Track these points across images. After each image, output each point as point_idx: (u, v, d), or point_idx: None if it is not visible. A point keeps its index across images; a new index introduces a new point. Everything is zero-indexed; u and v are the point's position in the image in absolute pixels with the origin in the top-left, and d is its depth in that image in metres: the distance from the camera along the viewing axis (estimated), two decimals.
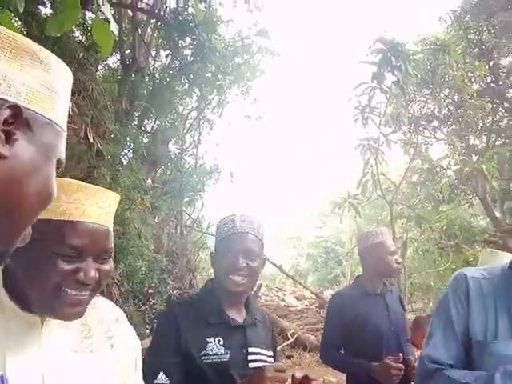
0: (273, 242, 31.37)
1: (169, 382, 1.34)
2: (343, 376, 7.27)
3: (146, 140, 9.57)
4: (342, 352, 2.47)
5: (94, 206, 0.88)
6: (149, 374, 1.34)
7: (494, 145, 12.59)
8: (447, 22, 12.39)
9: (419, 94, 11.84)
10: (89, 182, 0.92)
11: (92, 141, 4.88)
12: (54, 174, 0.57)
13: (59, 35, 5.99)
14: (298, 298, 15.07)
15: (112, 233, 0.95)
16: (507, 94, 12.70)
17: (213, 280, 1.55)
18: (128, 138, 7.77)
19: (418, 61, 5.09)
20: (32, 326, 0.85)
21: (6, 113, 0.49)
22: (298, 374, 1.28)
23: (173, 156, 10.72)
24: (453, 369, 1.18)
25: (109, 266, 0.92)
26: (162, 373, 1.34)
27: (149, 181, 9.13)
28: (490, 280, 1.23)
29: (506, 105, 12.59)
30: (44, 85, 0.54)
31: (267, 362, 1.45)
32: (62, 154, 0.59)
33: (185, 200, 9.46)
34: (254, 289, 11.72)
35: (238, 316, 1.47)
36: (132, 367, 1.05)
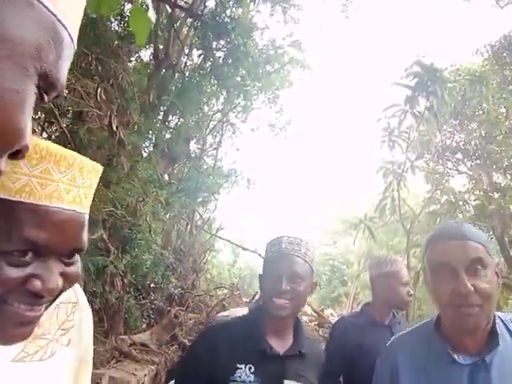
0: None
1: None
2: None
3: (168, 136, 9.60)
4: (341, 380, 2.36)
5: (68, 184, 0.59)
6: (166, 377, 1.37)
7: None
8: (484, 56, 12.24)
9: (447, 125, 11.68)
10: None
11: (115, 129, 4.87)
12: (30, 98, 0.36)
13: (95, 22, 6.05)
14: None
15: (87, 222, 0.64)
16: None
17: (260, 307, 1.49)
18: (151, 132, 7.80)
19: (452, 89, 4.97)
20: None
21: None
22: None
23: (192, 155, 10.74)
24: None
25: (76, 267, 0.62)
26: (172, 382, 1.33)
27: (166, 176, 9.14)
28: (420, 342, 1.14)
29: None
30: None
31: None
32: (56, 69, 0.38)
33: (198, 200, 9.44)
34: (256, 297, 11.58)
35: (280, 345, 1.39)
36: (90, 357, 0.81)
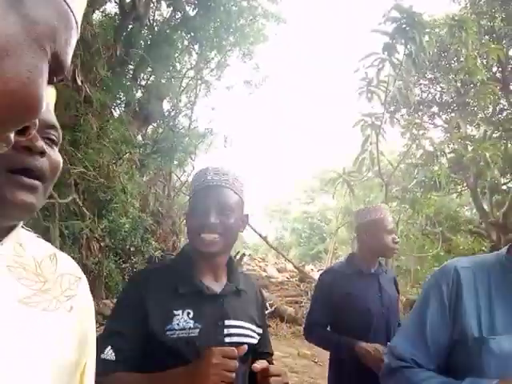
0: (260, 212, 31.55)
1: (115, 358, 1.13)
2: (318, 349, 7.30)
3: (139, 94, 9.21)
4: (329, 329, 2.36)
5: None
6: (98, 346, 1.18)
7: (491, 137, 12.49)
8: (461, 4, 12.00)
9: (423, 78, 11.58)
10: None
11: (80, 84, 4.57)
12: (45, 75, 0.39)
13: None
14: (279, 270, 15.16)
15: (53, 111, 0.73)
16: (510, 87, 12.50)
17: (188, 245, 1.35)
18: (120, 90, 7.43)
19: (433, 34, 4.81)
20: None
21: None
22: (257, 366, 1.11)
23: (166, 114, 10.38)
24: (417, 368, 1.08)
25: (57, 155, 0.71)
26: (109, 347, 1.14)
27: (139, 137, 8.83)
28: (485, 269, 1.11)
29: (510, 98, 12.41)
30: None
31: (250, 336, 1.28)
32: (65, 52, 0.41)
33: (175, 161, 9.21)
34: (238, 257, 11.70)
35: (215, 284, 1.28)
36: (92, 338, 0.83)
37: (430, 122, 12.57)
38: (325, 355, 6.56)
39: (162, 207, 8.69)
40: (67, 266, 0.79)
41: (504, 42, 11.31)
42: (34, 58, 0.37)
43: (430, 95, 12.30)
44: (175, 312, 1.17)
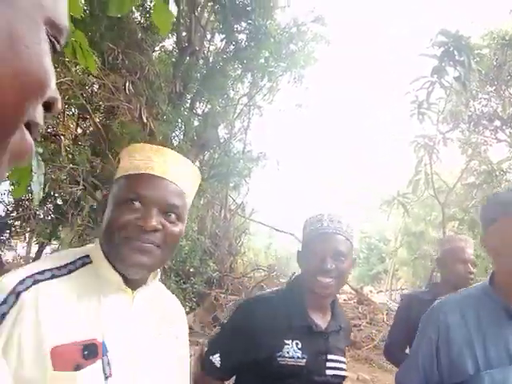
0: None
1: (219, 365, 1.34)
2: (378, 374, 7.09)
3: (196, 123, 9.70)
4: (408, 351, 2.44)
5: (162, 164, 0.92)
6: (209, 348, 1.40)
7: None
8: None
9: (482, 92, 11.17)
10: None
11: (145, 120, 5.00)
12: (47, 47, 0.37)
13: (120, 16, 6.15)
14: None
15: (183, 193, 0.96)
16: None
17: (298, 278, 1.49)
18: (180, 120, 7.91)
19: (483, 56, 4.75)
20: (125, 299, 0.91)
21: None
22: None
23: (221, 140, 10.81)
24: None
25: (177, 228, 0.93)
26: (218, 354, 1.35)
27: (197, 163, 9.27)
28: (472, 303, 1.14)
29: None
30: None
31: (344, 369, 1.42)
32: (59, 14, 0.38)
33: (231, 184, 9.54)
34: (293, 278, 11.66)
35: (321, 321, 1.41)
36: (187, 368, 1.09)
37: (492, 137, 12.04)
38: (384, 380, 6.41)
39: (219, 229, 8.99)
40: (172, 303, 1.08)
41: None
42: (31, 33, 0.34)
43: (491, 109, 11.81)
44: (286, 341, 1.31)
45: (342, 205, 30.77)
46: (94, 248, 0.94)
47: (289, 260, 20.59)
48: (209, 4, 9.63)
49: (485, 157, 6.35)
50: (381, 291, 16.98)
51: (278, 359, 1.29)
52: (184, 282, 5.97)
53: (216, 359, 1.35)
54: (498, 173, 5.99)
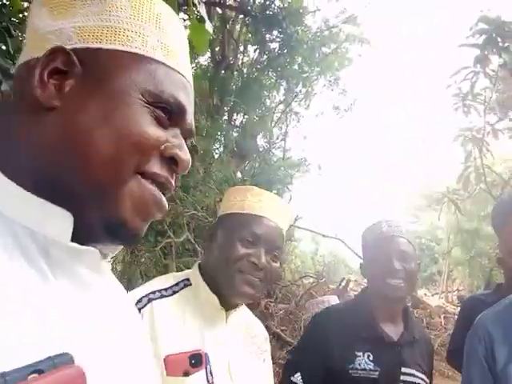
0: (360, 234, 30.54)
1: (302, 382, 1.35)
2: (439, 380, 6.79)
3: (235, 134, 9.83)
4: None
5: (270, 208, 1.06)
6: (288, 369, 1.41)
7: None
8: None
9: None
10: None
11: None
12: (143, 110, 0.48)
13: None
14: None
15: (284, 236, 1.10)
16: None
17: (366, 289, 1.51)
18: (219, 133, 8.04)
19: None
20: (220, 318, 1.04)
21: (56, 63, 0.47)
22: None
23: (261, 149, 10.86)
24: None
25: (277, 265, 1.07)
26: (299, 373, 1.35)
27: (238, 174, 9.36)
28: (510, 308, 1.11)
29: None
30: (103, 14, 0.48)
31: None
32: (161, 87, 0.50)
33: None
34: (343, 283, 11.45)
35: (393, 331, 1.39)
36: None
37: None
38: None
39: None
40: (258, 327, 1.19)
41: None
42: (129, 110, 0.47)
43: None
44: (357, 353, 1.31)
45: (388, 207, 30.00)
46: (193, 272, 1.08)
47: (336, 265, 20.25)
48: (240, 17, 9.78)
49: None
50: (436, 293, 16.30)
51: (350, 372, 1.29)
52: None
53: (298, 379, 1.35)
54: None
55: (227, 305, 1.04)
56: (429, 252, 23.92)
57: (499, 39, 4.09)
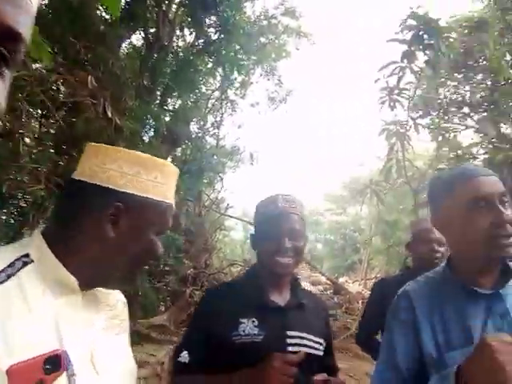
0: None
1: (188, 359, 1.32)
2: (354, 364, 7.13)
3: (167, 119, 9.53)
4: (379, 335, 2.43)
5: (172, 188, 0.94)
6: (175, 352, 1.38)
7: None
8: (484, 2, 11.76)
9: (451, 79, 11.37)
10: None
11: (110, 116, 4.82)
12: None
13: (82, 11, 5.92)
14: (313, 283, 15.01)
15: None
16: None
17: (255, 266, 1.53)
18: (149, 116, 7.72)
19: (452, 40, 4.78)
20: (77, 300, 0.83)
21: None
22: (319, 378, 1.25)
23: (194, 136, 10.65)
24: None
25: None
26: (186, 352, 1.33)
27: (169, 160, 9.10)
28: (434, 286, 1.15)
29: None
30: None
31: (314, 348, 1.39)
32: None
33: (204, 180, 9.41)
34: None
35: (280, 298, 1.43)
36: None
37: (461, 123, 12.28)
38: (360, 369, 6.45)
39: (194, 226, 8.86)
40: (116, 293, 1.00)
41: None
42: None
43: (459, 96, 12.04)
44: (241, 320, 1.32)
45: (319, 197, 31.07)
46: (35, 244, 0.81)
47: None
48: None
49: (454, 142, 6.45)
50: (356, 281, 17.20)
51: (234, 339, 1.28)
52: (158, 281, 5.82)
53: (184, 357, 1.33)
54: (467, 156, 6.09)
55: (88, 284, 0.84)
56: (351, 242, 25.19)
57: (425, 36, 4.27)
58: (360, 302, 9.44)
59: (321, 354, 1.41)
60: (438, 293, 1.13)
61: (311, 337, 1.39)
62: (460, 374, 0.89)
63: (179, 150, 10.39)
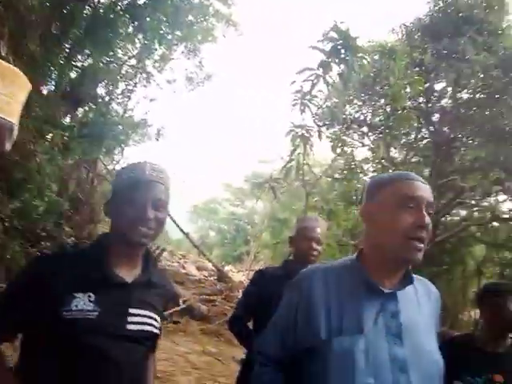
0: (188, 209, 31.28)
1: None
2: (223, 348, 7.36)
3: (73, 75, 8.80)
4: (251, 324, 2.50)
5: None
6: None
7: (410, 161, 13.53)
8: (398, 35, 12.89)
9: (358, 98, 12.26)
10: None
11: (4, 55, 4.30)
12: None
13: None
14: (198, 268, 15.16)
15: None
16: (432, 118, 13.64)
17: (107, 234, 1.38)
18: (52, 67, 7.06)
19: (363, 63, 5.16)
20: None
21: None
22: None
23: (100, 100, 9.99)
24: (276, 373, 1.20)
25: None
26: None
27: (67, 119, 8.43)
28: (335, 273, 1.23)
29: (430, 127, 13.52)
30: None
31: (154, 326, 1.33)
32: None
33: (103, 149, 8.88)
34: (157, 251, 11.50)
35: (127, 274, 1.31)
36: None
37: (359, 140, 13.33)
38: (229, 354, 6.70)
39: (83, 194, 8.34)
40: None
41: (432, 75, 12.30)
42: None
43: (362, 116, 13.04)
44: (76, 295, 1.18)
45: (219, 187, 31.32)
46: None
47: None
48: None
49: (350, 156, 6.99)
50: (241, 271, 17.76)
51: (64, 313, 1.16)
52: (32, 246, 5.36)
53: None
54: (358, 170, 6.64)
55: None
56: (243, 233, 25.95)
57: (343, 51, 4.54)
58: (240, 290, 9.78)
59: (158, 331, 1.36)
60: (340, 280, 1.19)
61: (153, 315, 1.34)
62: None
63: (81, 111, 9.68)
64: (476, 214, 13.74)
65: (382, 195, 1.18)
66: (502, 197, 14.46)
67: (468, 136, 13.09)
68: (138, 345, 1.24)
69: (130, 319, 1.25)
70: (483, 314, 1.98)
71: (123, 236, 1.29)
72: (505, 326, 1.88)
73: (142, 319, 1.29)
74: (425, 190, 1.15)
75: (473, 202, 12.85)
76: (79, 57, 9.38)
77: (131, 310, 1.26)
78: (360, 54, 4.74)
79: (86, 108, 9.54)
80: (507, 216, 14.74)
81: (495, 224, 14.37)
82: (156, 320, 1.34)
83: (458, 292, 15.47)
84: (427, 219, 1.11)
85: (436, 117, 13.63)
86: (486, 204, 14.14)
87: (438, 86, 13.23)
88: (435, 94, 13.44)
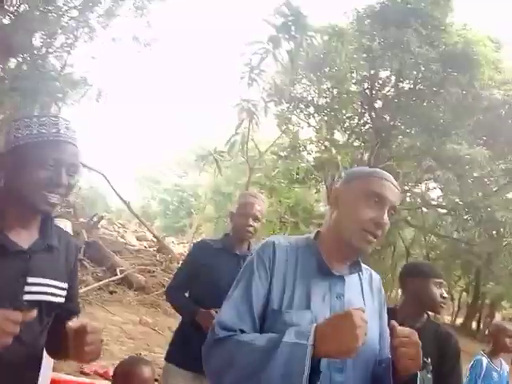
0: (129, 178, 30.36)
1: None
2: (160, 318, 7.36)
3: (6, 22, 8.06)
4: (187, 295, 2.49)
5: None
6: None
7: (352, 144, 14.01)
8: (349, 19, 13.05)
9: (307, 77, 12.36)
10: None
11: None
12: None
13: None
14: (138, 239, 14.87)
15: None
16: (375, 104, 14.13)
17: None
18: None
19: (314, 38, 5.17)
20: None
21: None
22: (73, 325, 1.08)
23: (36, 51, 9.25)
24: (244, 333, 1.16)
25: None
26: None
27: None
28: (295, 249, 1.26)
29: (372, 113, 14.01)
30: None
31: (56, 295, 1.22)
32: None
33: (37, 105, 8.29)
34: (95, 219, 11.10)
35: (24, 239, 1.18)
36: None
37: (305, 120, 13.52)
38: (166, 324, 6.70)
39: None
40: None
41: (377, 62, 12.65)
42: None
43: (309, 96, 13.19)
44: None
45: (161, 154, 30.57)
46: None
47: (95, 200, 19.47)
48: None
49: (295, 133, 7.07)
50: (182, 243, 17.68)
51: None
52: None
53: None
54: (302, 149, 6.75)
55: None
56: (186, 205, 25.70)
57: (293, 28, 4.52)
58: (180, 262, 9.75)
59: (63, 300, 1.26)
60: (298, 257, 1.22)
61: (55, 282, 1.23)
62: (315, 331, 1.00)
63: (14, 62, 8.93)
64: (408, 199, 14.61)
65: (354, 184, 1.23)
66: (432, 184, 15.54)
67: (406, 125, 13.72)
68: (37, 316, 1.10)
69: (27, 289, 1.15)
70: (404, 293, 2.11)
71: (24, 199, 1.14)
72: (424, 307, 2.04)
73: (41, 288, 1.19)
74: (394, 194, 1.20)
75: (406, 187, 13.58)
76: (13, 1, 8.60)
77: (30, 280, 1.16)
78: (310, 33, 4.75)
79: (20, 59, 8.81)
80: (435, 203, 15.88)
81: (424, 209, 15.43)
82: (59, 288, 1.24)
83: (387, 271, 16.59)
84: (386, 219, 1.17)
85: (378, 104, 14.14)
86: (417, 190, 15.09)
87: (383, 74, 13.65)
88: (379, 82, 13.89)
